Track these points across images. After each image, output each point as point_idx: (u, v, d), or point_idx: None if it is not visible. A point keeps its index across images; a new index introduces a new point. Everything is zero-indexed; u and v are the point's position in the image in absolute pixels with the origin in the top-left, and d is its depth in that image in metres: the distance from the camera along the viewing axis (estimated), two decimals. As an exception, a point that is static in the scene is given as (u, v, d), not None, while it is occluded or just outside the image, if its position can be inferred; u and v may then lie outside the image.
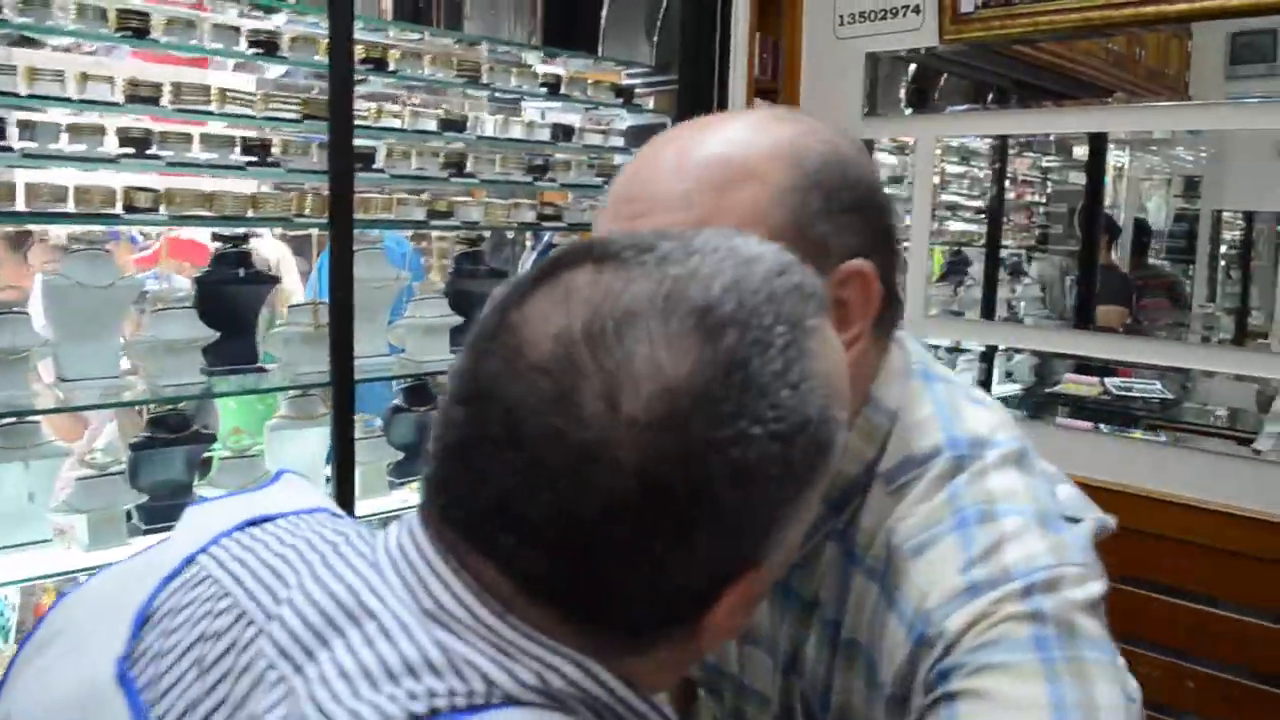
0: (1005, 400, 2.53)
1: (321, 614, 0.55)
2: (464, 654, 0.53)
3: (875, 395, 0.83)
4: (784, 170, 0.75)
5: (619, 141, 2.99)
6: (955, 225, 3.00)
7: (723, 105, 2.83)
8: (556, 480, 0.51)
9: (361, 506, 2.49)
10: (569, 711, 0.54)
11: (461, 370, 0.56)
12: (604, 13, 2.85)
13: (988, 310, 2.87)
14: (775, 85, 2.95)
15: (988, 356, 2.88)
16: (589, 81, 2.82)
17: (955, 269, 3.09)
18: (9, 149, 1.97)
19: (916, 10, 2.72)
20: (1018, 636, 0.69)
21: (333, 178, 2.18)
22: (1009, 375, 2.92)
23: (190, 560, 0.64)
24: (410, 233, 3.14)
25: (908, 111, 2.83)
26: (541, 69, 2.78)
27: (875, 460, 0.82)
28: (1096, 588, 0.73)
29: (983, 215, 3.02)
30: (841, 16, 2.87)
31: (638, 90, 2.93)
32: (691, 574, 0.54)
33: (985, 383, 2.84)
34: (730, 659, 0.97)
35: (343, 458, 2.29)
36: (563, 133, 2.81)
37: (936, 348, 2.89)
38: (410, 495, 2.65)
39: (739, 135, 0.78)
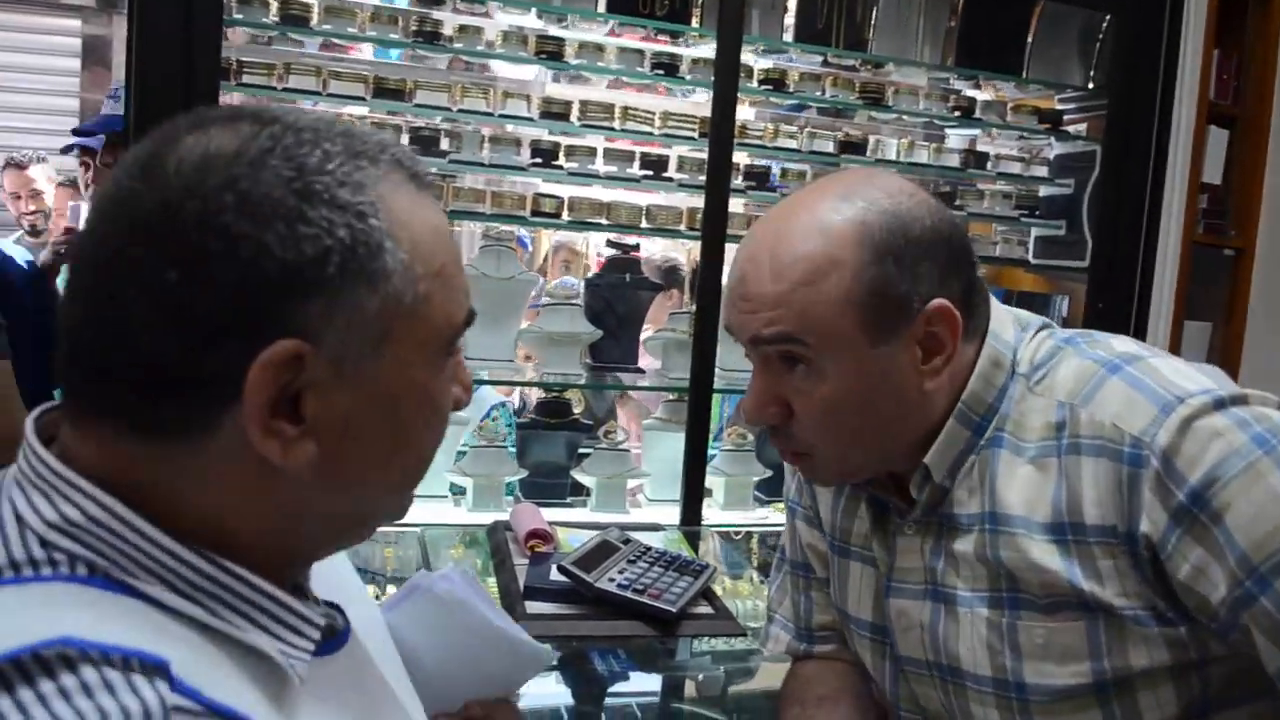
0: None
1: None
2: (16, 501, 0.59)
3: (993, 333, 1.00)
4: (857, 252, 0.92)
5: (1043, 170, 2.77)
6: None
7: (1164, 132, 2.51)
8: (104, 222, 0.59)
9: (723, 517, 2.56)
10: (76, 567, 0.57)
11: None
12: (1031, 32, 2.64)
13: None
14: (1236, 110, 2.56)
15: None
16: (1009, 106, 2.64)
17: None
18: (442, 155, 2.31)
19: None
20: (1237, 444, 0.85)
21: (708, 192, 2.28)
22: None
23: None
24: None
25: None
26: (968, 92, 2.66)
27: (1008, 379, 0.99)
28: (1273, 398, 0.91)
29: None
30: (1331, 28, 2.42)
31: (1068, 116, 2.69)
32: (207, 308, 0.56)
33: None
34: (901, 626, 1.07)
35: (693, 466, 2.36)
36: (974, 159, 2.66)
37: None
38: (773, 515, 2.66)
39: (816, 226, 0.94)
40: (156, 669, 0.52)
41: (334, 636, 0.71)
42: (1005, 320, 1.02)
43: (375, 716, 0.74)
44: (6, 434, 1.76)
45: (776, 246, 0.95)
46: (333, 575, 0.80)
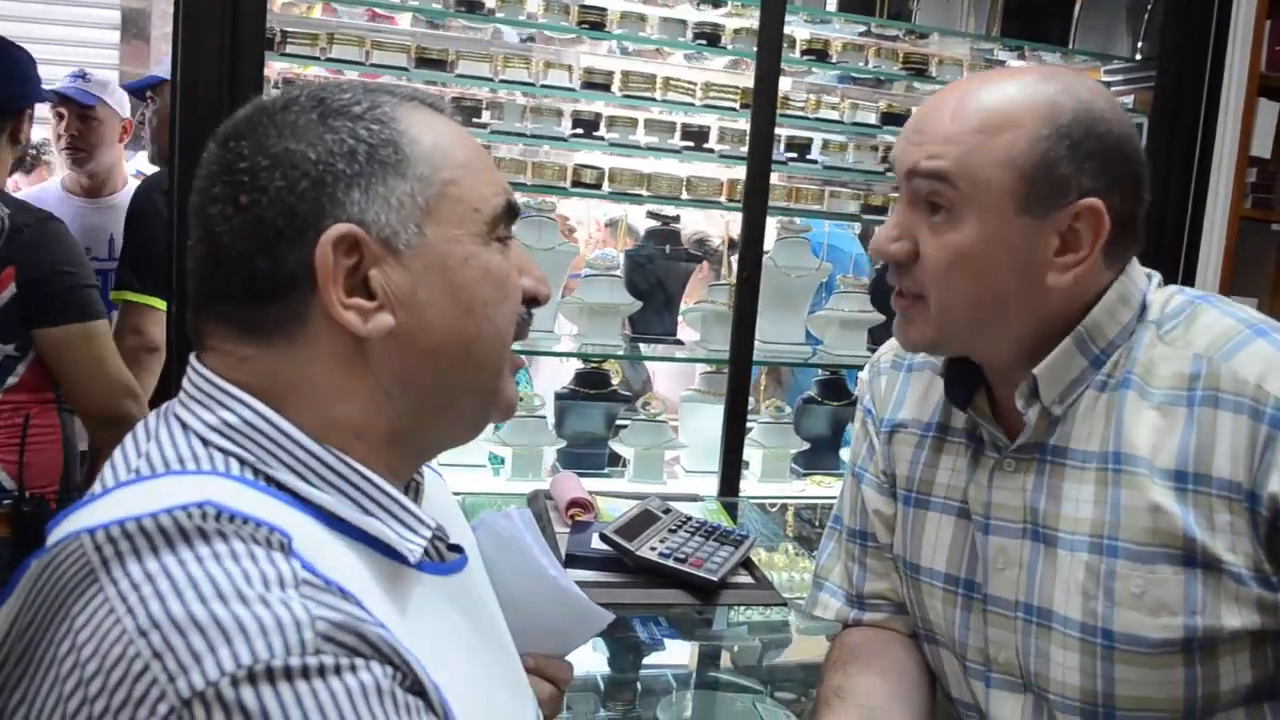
0: None
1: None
2: (177, 413, 0.73)
3: (1128, 273, 1.02)
4: (1038, 122, 0.95)
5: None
6: None
7: (1213, 104, 2.47)
8: (198, 183, 0.75)
9: (759, 489, 2.56)
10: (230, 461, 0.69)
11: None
12: (1078, 2, 2.60)
13: None
14: (1288, 82, 2.51)
15: None
16: (1055, 77, 2.60)
17: None
18: (483, 126, 2.31)
19: None
20: None
21: (750, 164, 2.27)
22: None
23: None
24: (859, 229, 3.13)
25: None
26: (1013, 63, 2.63)
27: (1136, 317, 1.02)
28: None
29: None
30: (1389, -2, 2.37)
31: (1115, 88, 2.66)
32: (272, 213, 0.70)
33: None
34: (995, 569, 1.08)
35: (732, 438, 2.36)
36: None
37: None
38: (810, 488, 2.67)
39: (1009, 90, 0.97)
40: (282, 541, 0.62)
41: (449, 562, 0.81)
42: (1137, 264, 1.05)
43: (485, 641, 0.83)
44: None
45: (967, 94, 0.98)
46: (451, 517, 0.91)
